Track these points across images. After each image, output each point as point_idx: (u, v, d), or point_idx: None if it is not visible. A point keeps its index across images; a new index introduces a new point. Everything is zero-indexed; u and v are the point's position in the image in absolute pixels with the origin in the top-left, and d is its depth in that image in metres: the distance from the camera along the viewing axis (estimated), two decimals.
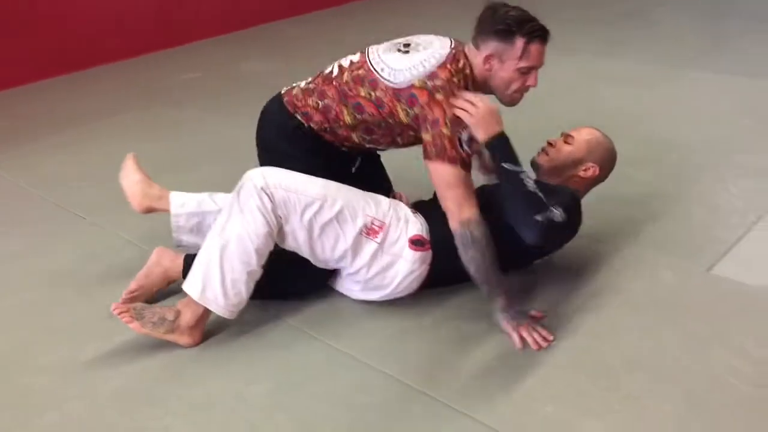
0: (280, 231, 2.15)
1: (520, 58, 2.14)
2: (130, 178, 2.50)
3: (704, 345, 2.09)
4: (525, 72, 2.18)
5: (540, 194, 2.04)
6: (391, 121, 2.21)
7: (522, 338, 2.09)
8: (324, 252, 2.18)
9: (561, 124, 2.56)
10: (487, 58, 2.17)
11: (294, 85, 2.42)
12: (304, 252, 2.19)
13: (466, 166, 2.12)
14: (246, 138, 2.52)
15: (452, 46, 2.23)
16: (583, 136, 2.37)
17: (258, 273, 2.16)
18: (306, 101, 2.32)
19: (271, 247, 2.17)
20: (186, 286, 2.14)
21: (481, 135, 2.08)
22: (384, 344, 2.18)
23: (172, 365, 2.13)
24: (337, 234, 2.16)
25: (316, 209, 2.13)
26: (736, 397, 1.89)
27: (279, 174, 2.17)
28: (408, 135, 2.26)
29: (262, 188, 2.10)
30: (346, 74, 2.27)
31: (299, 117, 2.34)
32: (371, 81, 2.21)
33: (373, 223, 2.18)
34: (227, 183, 2.33)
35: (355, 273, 2.24)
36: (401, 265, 2.21)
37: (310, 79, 2.38)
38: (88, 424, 1.94)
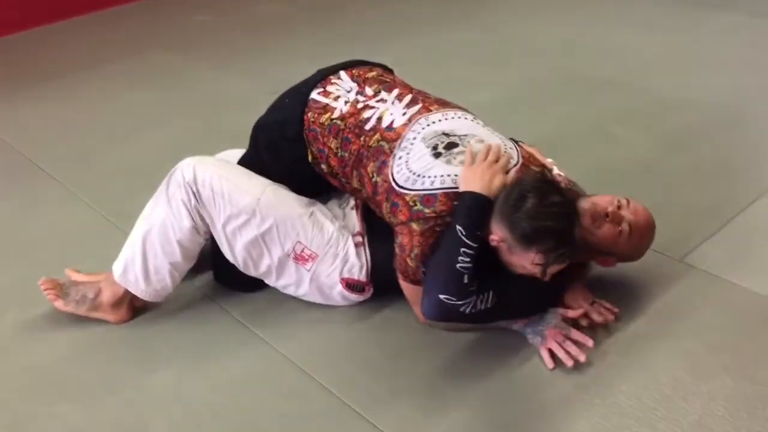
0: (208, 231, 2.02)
1: (534, 264, 1.71)
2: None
3: (645, 343, 1.88)
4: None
5: (465, 280, 1.69)
6: (378, 210, 1.94)
7: (553, 355, 1.84)
8: (247, 264, 2.02)
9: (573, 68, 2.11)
10: (496, 240, 1.75)
11: (329, 101, 2.01)
12: (229, 258, 2.03)
13: None
14: (243, 92, 2.21)
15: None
16: (646, 236, 1.95)
17: (184, 265, 2.06)
18: (328, 140, 1.99)
19: (200, 242, 2.04)
20: (113, 265, 2.06)
21: (461, 184, 1.76)
22: (319, 346, 1.99)
23: (85, 346, 2.05)
24: (261, 250, 2.00)
25: (241, 223, 1.97)
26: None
27: (212, 171, 1.98)
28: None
29: (188, 183, 1.96)
30: (375, 136, 1.92)
31: (312, 152, 2.03)
32: (382, 163, 1.88)
33: (303, 251, 1.99)
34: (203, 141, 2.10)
35: (282, 288, 2.09)
36: (335, 295, 2.05)
37: (346, 109, 1.98)
38: None
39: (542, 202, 1.65)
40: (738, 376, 1.75)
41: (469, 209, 1.71)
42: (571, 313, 1.91)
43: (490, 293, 1.75)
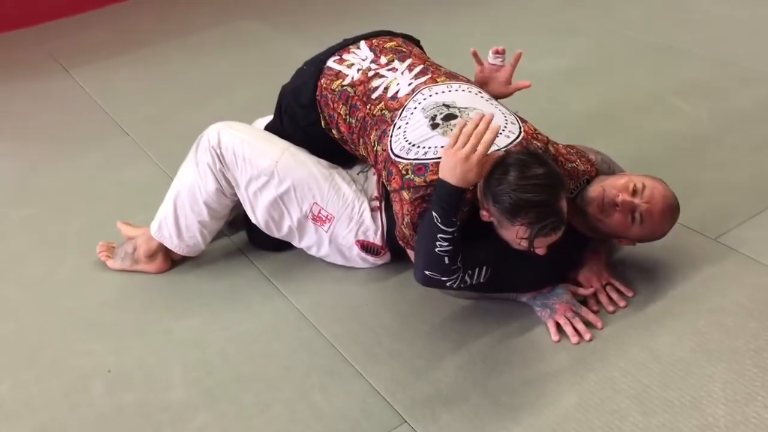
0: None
1: (521, 238, 1.67)
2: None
3: (657, 322, 1.83)
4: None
5: (446, 261, 1.68)
6: (381, 178, 1.98)
7: (559, 328, 1.84)
8: (269, 225, 2.11)
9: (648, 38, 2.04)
10: (486, 216, 1.72)
11: (342, 68, 2.04)
12: (253, 220, 2.13)
13: None
14: None
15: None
16: (663, 222, 1.86)
17: (212, 225, 2.18)
18: (337, 106, 2.02)
19: (228, 204, 2.16)
20: (151, 222, 2.23)
21: (440, 168, 1.68)
22: (333, 304, 2.06)
23: (126, 293, 2.21)
24: (281, 212, 2.08)
25: (261, 184, 2.06)
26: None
27: (235, 136, 2.08)
28: None
29: (212, 147, 2.07)
30: (380, 105, 1.93)
31: (324, 117, 2.07)
32: (383, 132, 1.89)
33: (320, 213, 2.06)
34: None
35: (307, 249, 2.17)
36: (355, 256, 2.11)
37: (357, 77, 2.00)
38: (29, 338, 2.08)
39: (523, 174, 1.61)
40: (746, 362, 1.68)
41: (440, 199, 1.66)
42: (581, 291, 1.89)
43: (484, 268, 1.76)
